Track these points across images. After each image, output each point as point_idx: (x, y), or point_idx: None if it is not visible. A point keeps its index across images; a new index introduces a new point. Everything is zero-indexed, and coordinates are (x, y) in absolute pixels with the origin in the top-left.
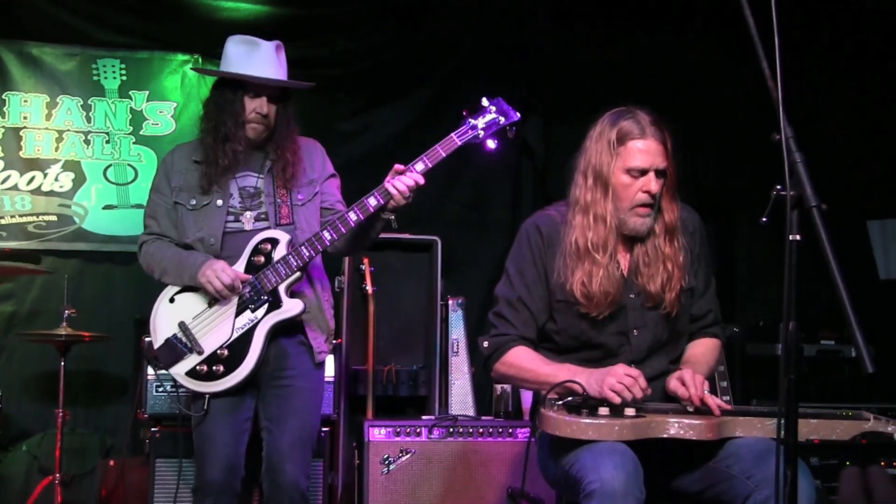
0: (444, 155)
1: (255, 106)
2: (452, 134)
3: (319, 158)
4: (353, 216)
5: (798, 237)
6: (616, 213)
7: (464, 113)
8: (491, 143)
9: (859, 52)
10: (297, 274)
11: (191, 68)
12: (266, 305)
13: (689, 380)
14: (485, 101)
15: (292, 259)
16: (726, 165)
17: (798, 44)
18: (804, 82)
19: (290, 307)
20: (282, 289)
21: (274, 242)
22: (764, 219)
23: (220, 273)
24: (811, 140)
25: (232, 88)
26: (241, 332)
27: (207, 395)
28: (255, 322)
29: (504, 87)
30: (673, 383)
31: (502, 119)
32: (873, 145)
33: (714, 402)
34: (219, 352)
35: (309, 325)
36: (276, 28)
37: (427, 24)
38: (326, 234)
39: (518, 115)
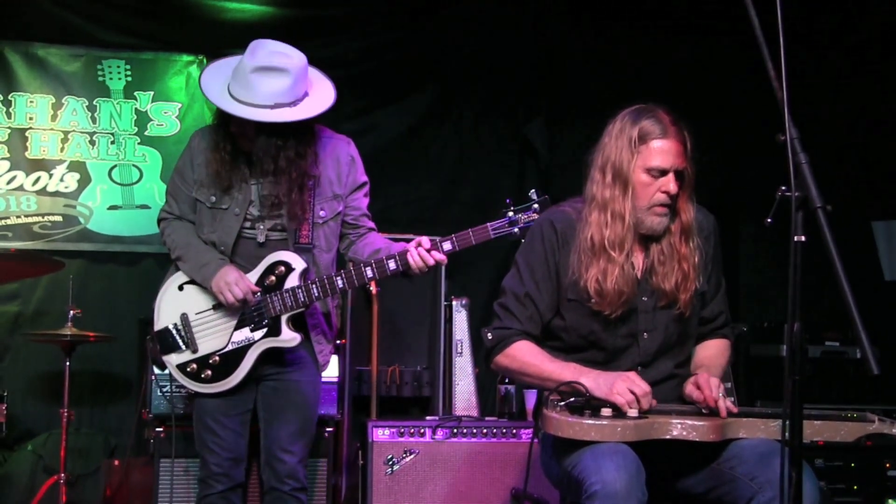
0: (473, 242)
1: (236, 130)
2: (489, 224)
3: (347, 165)
4: (369, 272)
5: (803, 238)
6: (634, 211)
7: (507, 201)
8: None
9: (864, 52)
10: (302, 309)
11: (198, 76)
12: (265, 329)
13: (703, 383)
14: (533, 195)
15: (301, 294)
16: (731, 166)
17: (802, 43)
18: (809, 82)
19: (288, 338)
20: (284, 318)
21: (289, 268)
22: (769, 220)
23: (233, 287)
24: (816, 141)
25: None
26: (235, 346)
27: (192, 392)
28: (250, 342)
29: (507, 88)
30: (689, 388)
31: None
32: (878, 146)
33: (723, 404)
34: (210, 358)
35: (316, 339)
36: (281, 29)
37: (431, 24)
38: (339, 282)
39: None
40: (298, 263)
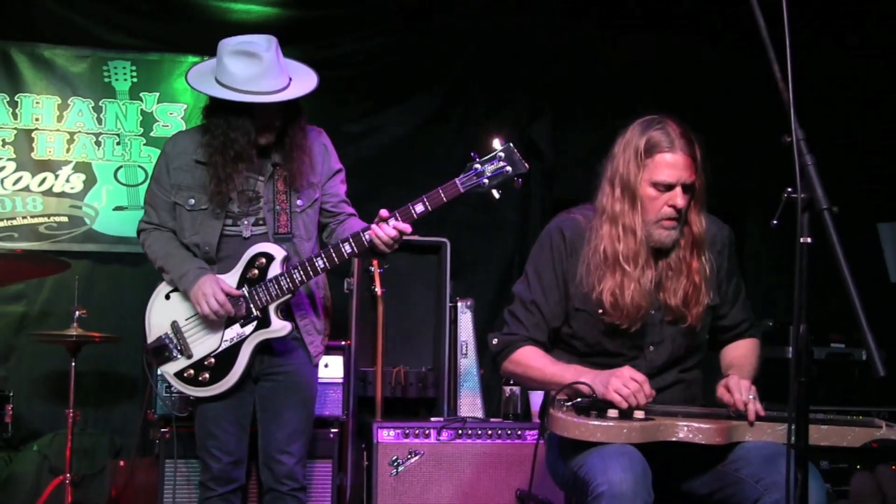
0: (445, 200)
1: (265, 122)
2: (456, 179)
3: (321, 155)
4: (347, 248)
5: (809, 240)
6: (644, 225)
7: (472, 155)
8: (495, 194)
9: (870, 52)
10: (288, 296)
11: (188, 80)
12: (255, 322)
13: (733, 385)
14: (496, 144)
15: (284, 281)
16: (737, 167)
17: (808, 44)
18: (814, 83)
19: (278, 328)
20: (272, 308)
21: (269, 258)
22: (775, 221)
23: (210, 299)
24: (822, 142)
25: (239, 106)
26: (228, 344)
27: (192, 398)
28: (242, 337)
29: (512, 89)
30: (720, 391)
31: (510, 169)
32: (884, 147)
33: (753, 407)
34: (206, 361)
35: (306, 330)
36: (285, 30)
37: (435, 25)
38: (320, 262)
39: (527, 166)
40: (278, 252)
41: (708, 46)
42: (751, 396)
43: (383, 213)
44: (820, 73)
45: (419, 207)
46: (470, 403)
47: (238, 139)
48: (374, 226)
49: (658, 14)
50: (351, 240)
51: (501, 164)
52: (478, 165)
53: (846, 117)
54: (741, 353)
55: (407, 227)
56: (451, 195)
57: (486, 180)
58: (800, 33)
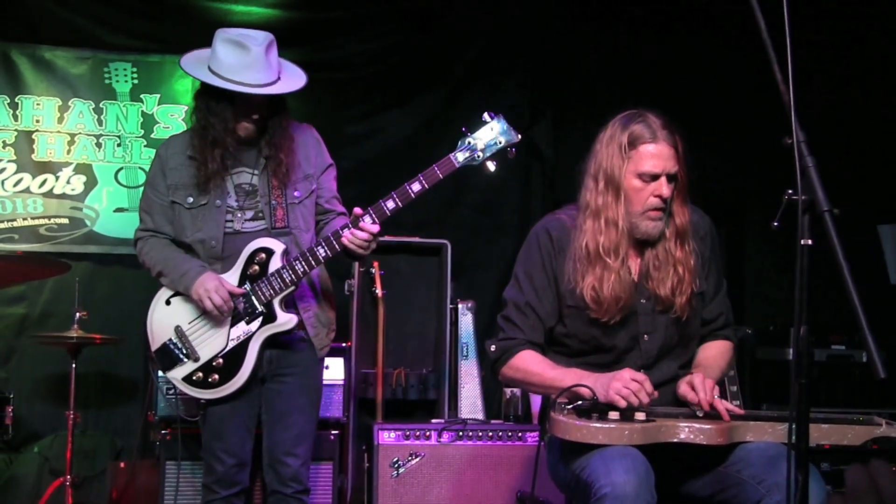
0: (441, 177)
1: (243, 113)
2: (451, 155)
3: (314, 148)
4: (349, 234)
5: (810, 241)
6: (627, 217)
7: (463, 129)
8: (491, 166)
9: (871, 54)
10: (292, 288)
11: (180, 61)
12: (260, 318)
13: (698, 384)
14: (486, 117)
15: (286, 274)
16: (737, 169)
17: (808, 46)
18: (815, 85)
19: (285, 321)
20: (276, 302)
21: (269, 252)
22: (775, 223)
23: (213, 294)
24: (822, 144)
25: (220, 92)
26: (235, 342)
27: (203, 401)
28: (249, 335)
29: (513, 90)
30: (683, 388)
31: (502, 140)
32: (885, 149)
33: (723, 406)
34: (214, 362)
35: (310, 323)
36: (286, 31)
37: (436, 27)
38: (321, 251)
39: (518, 135)
40: (277, 246)
41: (707, 46)
42: (716, 396)
43: (357, 211)
44: (821, 75)
45: (416, 186)
46: (470, 405)
47: (216, 125)
48: (346, 232)
49: (658, 14)
50: (352, 227)
51: (493, 135)
52: (470, 139)
53: (847, 118)
54: (712, 353)
55: (376, 228)
56: (447, 171)
57: (479, 153)
58: (800, 33)
